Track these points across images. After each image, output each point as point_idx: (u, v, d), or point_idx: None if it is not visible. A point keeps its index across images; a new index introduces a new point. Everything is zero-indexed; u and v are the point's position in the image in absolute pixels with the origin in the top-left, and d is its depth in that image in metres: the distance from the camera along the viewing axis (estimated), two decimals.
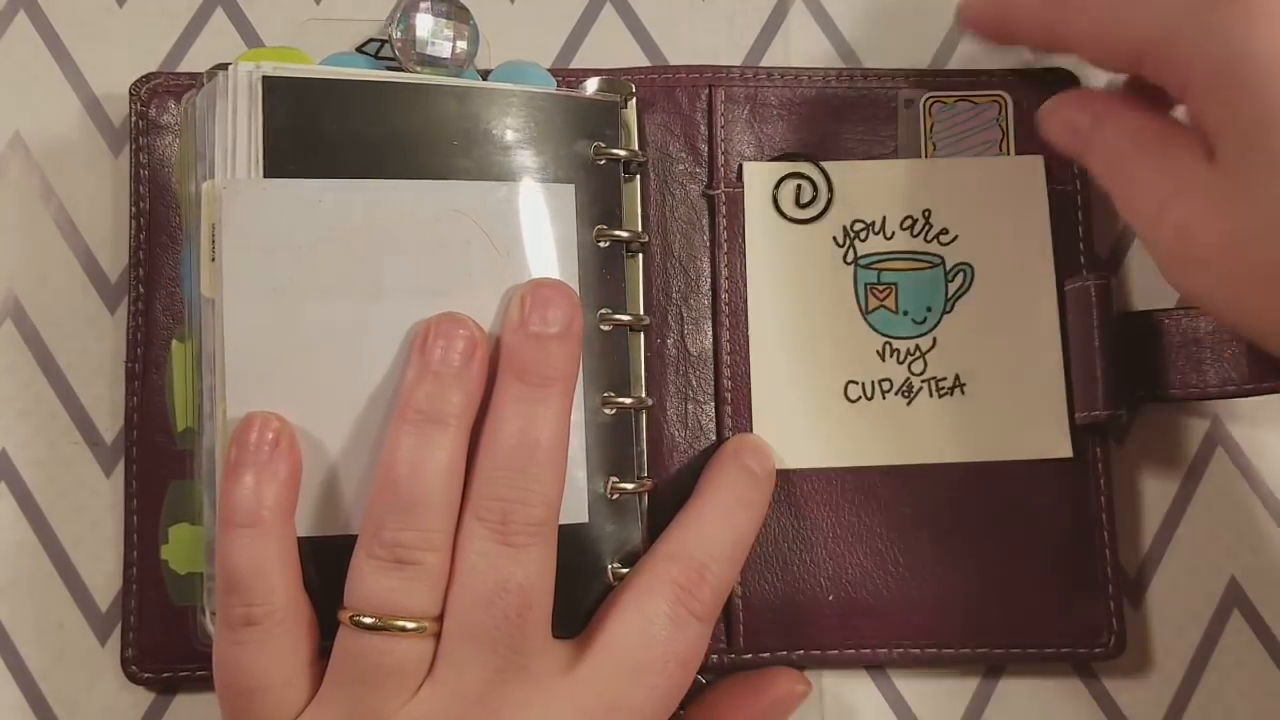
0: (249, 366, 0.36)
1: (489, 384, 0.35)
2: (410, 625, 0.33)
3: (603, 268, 0.39)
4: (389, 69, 0.39)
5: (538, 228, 0.38)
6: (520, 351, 0.35)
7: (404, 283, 0.36)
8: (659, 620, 0.36)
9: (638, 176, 0.42)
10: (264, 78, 0.36)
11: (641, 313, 0.41)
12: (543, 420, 0.35)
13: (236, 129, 0.36)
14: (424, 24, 0.38)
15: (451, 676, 0.34)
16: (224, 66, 0.37)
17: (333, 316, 0.36)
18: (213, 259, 0.36)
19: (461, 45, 0.39)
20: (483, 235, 0.37)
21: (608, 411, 0.38)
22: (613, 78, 0.42)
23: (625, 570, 0.38)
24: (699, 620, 0.36)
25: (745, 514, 0.39)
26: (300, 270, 0.36)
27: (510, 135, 0.38)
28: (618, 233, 0.39)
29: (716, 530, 0.38)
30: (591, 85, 0.41)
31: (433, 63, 0.38)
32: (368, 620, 0.33)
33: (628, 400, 0.39)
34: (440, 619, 0.34)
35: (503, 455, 0.34)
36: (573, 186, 0.38)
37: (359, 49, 0.41)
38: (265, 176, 0.36)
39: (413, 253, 0.37)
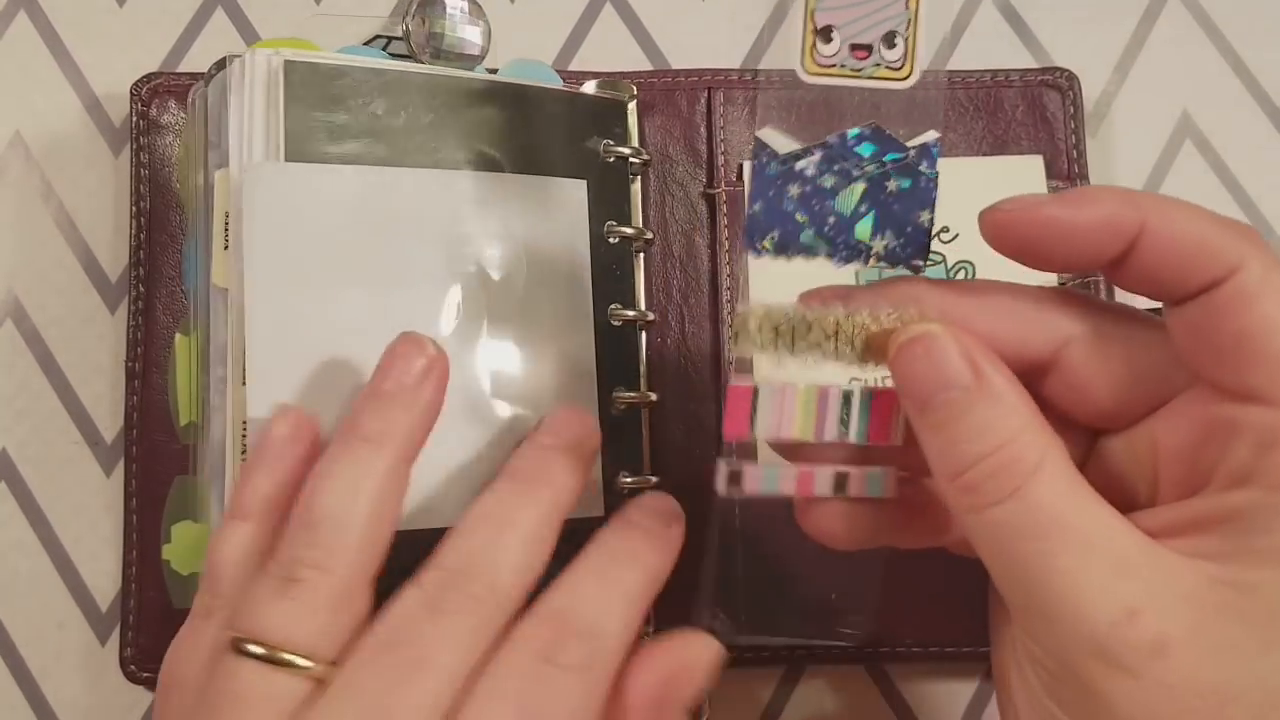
0: (268, 352, 0.35)
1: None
2: (299, 661, 0.29)
3: (612, 263, 0.39)
4: None
5: (552, 221, 0.38)
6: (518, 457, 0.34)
7: (419, 271, 0.36)
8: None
9: (639, 176, 0.42)
10: (285, 62, 0.36)
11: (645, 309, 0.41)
12: (524, 511, 0.32)
13: (254, 115, 0.36)
14: (441, 17, 0.38)
15: None
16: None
17: (349, 303, 0.36)
18: (225, 247, 0.36)
19: (476, 40, 0.39)
20: (498, 226, 0.37)
21: (619, 407, 0.39)
22: (613, 80, 0.42)
23: None
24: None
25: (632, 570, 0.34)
26: (318, 256, 0.36)
27: (526, 129, 0.38)
28: (626, 229, 0.39)
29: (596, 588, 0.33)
30: (589, 88, 0.41)
31: (448, 56, 0.38)
32: (256, 649, 0.29)
33: (635, 396, 0.39)
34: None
35: (466, 523, 0.32)
36: (585, 182, 0.39)
37: (363, 45, 0.41)
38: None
39: (428, 242, 0.37)
